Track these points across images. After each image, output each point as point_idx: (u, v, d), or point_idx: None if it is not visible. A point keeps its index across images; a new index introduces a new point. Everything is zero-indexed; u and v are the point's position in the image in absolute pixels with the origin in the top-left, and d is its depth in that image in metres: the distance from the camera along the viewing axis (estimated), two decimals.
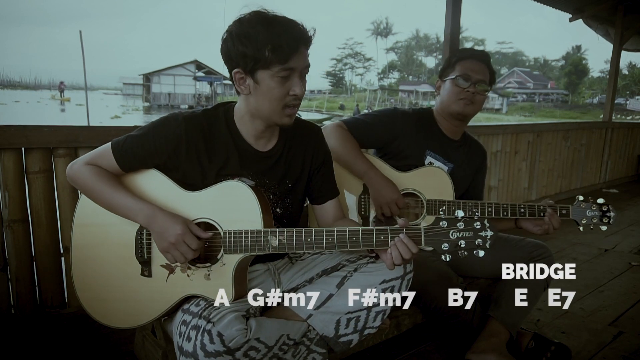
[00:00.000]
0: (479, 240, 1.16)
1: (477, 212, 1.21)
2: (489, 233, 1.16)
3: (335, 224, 1.42)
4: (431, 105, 1.93)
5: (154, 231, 1.20)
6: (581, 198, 1.67)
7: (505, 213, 1.68)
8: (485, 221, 1.17)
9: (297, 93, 1.20)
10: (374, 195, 1.72)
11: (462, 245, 1.17)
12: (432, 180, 1.75)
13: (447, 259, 1.18)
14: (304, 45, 1.19)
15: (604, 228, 1.66)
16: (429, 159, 1.79)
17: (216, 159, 1.28)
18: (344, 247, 1.19)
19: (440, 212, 1.20)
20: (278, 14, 1.18)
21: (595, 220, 1.66)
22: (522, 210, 1.67)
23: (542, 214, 1.67)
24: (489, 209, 1.68)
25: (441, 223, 1.18)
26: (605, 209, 1.66)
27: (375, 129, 1.77)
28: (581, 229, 1.68)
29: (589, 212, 1.66)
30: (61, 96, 41.67)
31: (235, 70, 1.19)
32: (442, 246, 1.17)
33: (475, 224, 1.17)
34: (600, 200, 1.67)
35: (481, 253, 1.16)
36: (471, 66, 1.75)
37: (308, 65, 1.22)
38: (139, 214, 1.21)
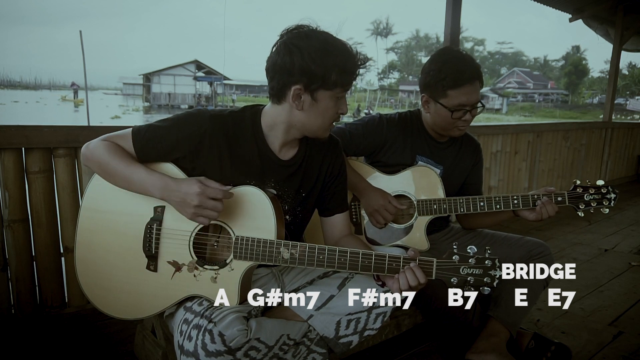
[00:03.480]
0: (487, 278, 1.18)
1: (488, 248, 1.22)
2: (498, 273, 1.18)
3: (341, 240, 1.43)
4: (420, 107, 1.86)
5: (174, 202, 1.18)
6: (578, 182, 1.61)
7: (498, 206, 1.64)
8: (497, 260, 1.19)
9: (344, 112, 1.28)
10: (364, 206, 1.72)
11: (471, 282, 1.19)
12: (421, 180, 1.74)
13: None
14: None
15: (606, 211, 1.58)
16: (420, 163, 1.78)
17: (238, 163, 1.27)
18: (355, 269, 1.20)
19: (455, 246, 1.21)
20: (337, 37, 1.22)
21: (594, 204, 1.59)
22: (516, 202, 1.63)
23: (535, 204, 1.62)
24: (481, 204, 1.66)
25: (454, 257, 1.19)
26: (605, 191, 1.59)
27: (360, 139, 1.74)
28: (580, 214, 1.60)
29: (587, 196, 1.59)
30: (74, 97, 39.47)
31: (296, 86, 1.19)
32: (452, 280, 1.19)
33: (486, 262, 1.18)
34: (600, 182, 1.59)
35: (487, 290, 1.18)
36: (466, 94, 1.61)
37: None
38: (153, 187, 1.18)
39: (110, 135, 1.26)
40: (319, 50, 1.16)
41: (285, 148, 1.33)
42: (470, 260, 1.19)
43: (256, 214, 1.21)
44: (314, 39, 1.18)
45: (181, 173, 1.26)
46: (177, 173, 1.26)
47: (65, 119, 22.93)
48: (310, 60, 1.16)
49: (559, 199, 1.61)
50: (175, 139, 1.23)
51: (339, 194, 1.45)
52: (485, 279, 1.18)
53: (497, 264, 1.19)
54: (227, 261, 1.22)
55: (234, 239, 1.21)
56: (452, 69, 1.61)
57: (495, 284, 1.18)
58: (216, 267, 1.23)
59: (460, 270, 1.19)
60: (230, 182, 1.25)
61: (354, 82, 1.28)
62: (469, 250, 1.20)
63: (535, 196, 1.62)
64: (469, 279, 1.18)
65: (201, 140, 1.23)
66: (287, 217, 1.36)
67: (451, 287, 1.20)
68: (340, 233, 1.45)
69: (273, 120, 1.28)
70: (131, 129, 1.26)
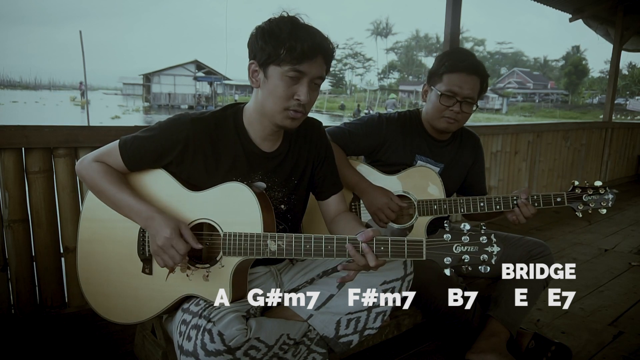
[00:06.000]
0: (485, 255, 1.11)
1: (483, 225, 1.19)
2: (496, 249, 1.11)
3: (336, 218, 1.43)
4: (420, 106, 1.87)
5: (150, 234, 1.21)
6: (576, 183, 1.62)
7: (498, 207, 1.65)
8: (492, 236, 1.13)
9: (300, 98, 1.19)
10: (367, 205, 1.72)
11: (466, 260, 1.12)
12: (421, 180, 1.74)
13: (449, 274, 1.14)
14: (321, 55, 1.19)
15: (603, 212, 1.58)
16: (419, 163, 1.78)
17: (224, 161, 1.28)
18: (343, 256, 1.19)
19: (445, 224, 1.17)
20: (308, 24, 1.20)
21: (593, 205, 1.59)
22: (515, 201, 1.63)
23: (513, 205, 1.62)
24: (481, 204, 1.66)
25: (445, 236, 1.13)
26: (603, 192, 1.59)
27: (360, 138, 1.75)
28: (579, 214, 1.61)
29: (585, 197, 1.59)
30: (82, 98, 38.88)
31: (251, 61, 1.22)
32: (445, 260, 1.13)
33: (481, 239, 1.12)
34: (598, 183, 1.60)
35: (487, 269, 1.12)
36: (458, 81, 1.63)
37: (321, 77, 1.22)
38: (138, 215, 1.21)
39: (100, 153, 1.29)
40: (273, 29, 1.16)
41: (269, 141, 1.32)
42: (463, 238, 1.12)
43: (241, 208, 1.21)
44: (275, 20, 1.18)
45: (170, 177, 1.27)
46: (167, 181, 1.27)
47: (72, 119, 22.82)
48: (262, 38, 1.17)
49: (558, 199, 1.61)
50: (160, 146, 1.24)
51: (330, 176, 1.45)
52: (482, 257, 1.11)
53: (493, 239, 1.12)
54: (217, 258, 1.23)
55: (221, 236, 1.21)
56: (454, 56, 1.68)
57: (493, 261, 1.11)
58: (207, 265, 1.23)
59: (453, 248, 1.12)
60: (218, 182, 1.25)
61: (324, 77, 1.23)
62: (461, 227, 1.14)
63: (515, 198, 1.63)
64: (463, 257, 1.12)
65: (185, 145, 1.24)
66: (283, 206, 1.37)
67: (445, 268, 1.14)
68: (336, 212, 1.45)
69: (249, 111, 1.29)
70: (118, 141, 1.28)
